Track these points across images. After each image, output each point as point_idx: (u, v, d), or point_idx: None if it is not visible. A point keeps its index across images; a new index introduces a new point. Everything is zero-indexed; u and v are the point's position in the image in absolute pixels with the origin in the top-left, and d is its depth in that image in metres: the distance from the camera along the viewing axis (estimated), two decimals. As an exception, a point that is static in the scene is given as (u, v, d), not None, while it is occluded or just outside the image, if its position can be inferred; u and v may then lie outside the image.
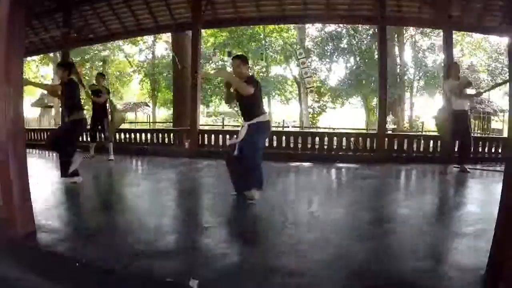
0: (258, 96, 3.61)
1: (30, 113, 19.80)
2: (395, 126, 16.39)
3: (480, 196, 4.22)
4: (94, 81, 7.33)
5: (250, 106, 3.64)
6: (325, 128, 16.99)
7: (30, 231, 2.56)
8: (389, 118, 17.44)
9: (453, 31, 7.36)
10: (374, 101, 18.56)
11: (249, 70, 3.92)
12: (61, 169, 4.45)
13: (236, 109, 21.49)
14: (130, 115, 22.74)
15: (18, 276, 2.16)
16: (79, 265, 2.14)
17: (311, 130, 14.40)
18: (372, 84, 16.37)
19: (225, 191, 3.92)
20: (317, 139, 7.13)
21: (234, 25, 8.89)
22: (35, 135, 10.12)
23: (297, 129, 15.97)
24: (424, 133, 11.16)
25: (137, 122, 18.25)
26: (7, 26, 2.36)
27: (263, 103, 3.81)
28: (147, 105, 22.18)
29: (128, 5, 8.56)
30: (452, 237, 2.69)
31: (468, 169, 5.57)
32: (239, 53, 3.23)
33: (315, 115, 21.16)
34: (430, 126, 16.37)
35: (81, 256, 2.22)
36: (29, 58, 16.79)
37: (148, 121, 21.67)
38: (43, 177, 4.91)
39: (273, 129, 13.99)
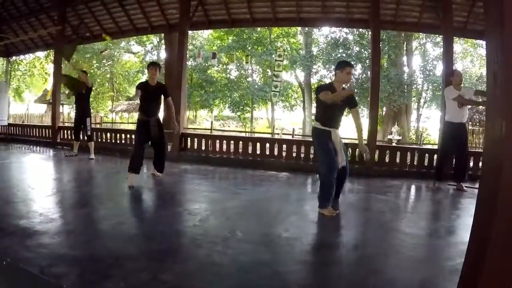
0: None
1: (36, 109, 19.99)
2: (400, 137, 15.79)
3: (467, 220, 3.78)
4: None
5: (341, 114, 3.74)
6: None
7: None
8: (394, 128, 16.85)
9: (457, 38, 6.94)
10: (381, 111, 17.94)
11: None
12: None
13: (238, 113, 21.23)
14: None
15: None
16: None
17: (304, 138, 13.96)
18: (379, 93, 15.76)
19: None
20: (302, 148, 6.76)
21: (225, 26, 8.70)
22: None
23: (299, 137, 15.55)
24: (422, 146, 10.54)
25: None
26: None
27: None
28: (152, 106, 22.12)
29: (122, 5, 8.45)
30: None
31: (465, 188, 5.14)
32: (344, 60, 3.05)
33: (319, 123, 20.63)
34: (433, 139, 15.77)
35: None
36: (32, 56, 17.00)
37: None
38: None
39: (259, 135, 13.58)
